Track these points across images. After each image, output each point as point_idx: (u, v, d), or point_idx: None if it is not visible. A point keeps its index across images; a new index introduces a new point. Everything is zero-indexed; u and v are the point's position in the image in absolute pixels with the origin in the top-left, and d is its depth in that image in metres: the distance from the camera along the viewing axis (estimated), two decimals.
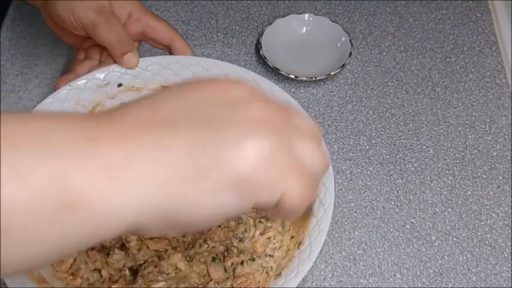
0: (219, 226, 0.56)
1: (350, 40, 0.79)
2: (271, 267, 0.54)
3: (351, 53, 0.78)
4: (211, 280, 0.53)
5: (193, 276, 0.53)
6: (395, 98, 0.77)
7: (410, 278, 0.61)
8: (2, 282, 0.57)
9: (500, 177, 0.69)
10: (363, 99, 0.77)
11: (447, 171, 0.70)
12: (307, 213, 0.53)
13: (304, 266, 0.50)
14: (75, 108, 0.60)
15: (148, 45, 0.69)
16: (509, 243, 0.64)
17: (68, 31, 0.65)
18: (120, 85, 0.62)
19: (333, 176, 0.55)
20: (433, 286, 0.61)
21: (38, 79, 0.76)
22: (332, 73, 0.76)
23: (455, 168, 0.70)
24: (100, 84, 0.61)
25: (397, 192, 0.68)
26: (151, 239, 0.54)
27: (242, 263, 0.54)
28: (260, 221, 0.56)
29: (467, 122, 0.75)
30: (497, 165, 0.70)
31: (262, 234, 0.56)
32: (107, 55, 0.64)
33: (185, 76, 0.64)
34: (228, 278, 0.53)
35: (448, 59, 0.82)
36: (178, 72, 0.64)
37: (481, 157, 0.71)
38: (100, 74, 0.62)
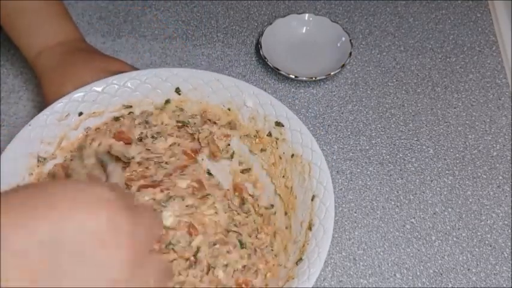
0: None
1: (350, 40, 0.79)
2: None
3: (351, 53, 0.78)
4: None
5: None
6: (395, 98, 0.77)
7: (410, 278, 0.61)
8: None
9: (500, 177, 0.69)
10: (363, 99, 0.77)
11: (447, 171, 0.70)
12: None
13: (323, 246, 0.51)
14: (41, 147, 0.58)
15: None
16: (509, 243, 0.64)
17: None
18: (80, 114, 0.61)
19: (329, 173, 0.56)
20: (433, 286, 0.61)
21: (38, 79, 0.76)
22: (332, 73, 0.76)
23: (455, 168, 0.70)
24: (60, 117, 0.60)
25: (397, 192, 0.68)
26: None
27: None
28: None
29: (467, 122, 0.75)
30: (497, 165, 0.70)
31: None
32: None
33: (145, 91, 0.63)
34: None
35: (448, 59, 0.82)
36: (137, 87, 0.63)
37: (481, 157, 0.71)
38: (58, 106, 0.60)
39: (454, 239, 0.64)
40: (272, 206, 0.60)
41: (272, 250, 0.56)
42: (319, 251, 0.51)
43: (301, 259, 0.52)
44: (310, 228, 0.53)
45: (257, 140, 0.63)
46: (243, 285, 0.53)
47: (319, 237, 0.52)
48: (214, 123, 0.63)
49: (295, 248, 0.54)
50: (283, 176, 0.60)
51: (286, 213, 0.58)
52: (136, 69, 0.69)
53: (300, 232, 0.55)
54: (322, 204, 0.54)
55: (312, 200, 0.55)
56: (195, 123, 0.63)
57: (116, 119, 0.63)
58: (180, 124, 0.63)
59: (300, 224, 0.55)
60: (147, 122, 0.62)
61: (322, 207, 0.54)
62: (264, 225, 0.59)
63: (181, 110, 0.64)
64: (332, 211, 0.53)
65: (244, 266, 0.55)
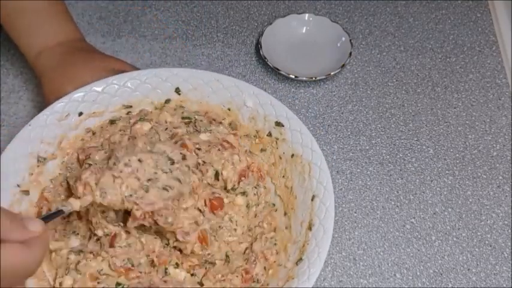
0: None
1: (350, 40, 0.79)
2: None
3: (351, 53, 0.78)
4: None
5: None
6: (395, 98, 0.77)
7: (410, 278, 0.61)
8: None
9: (500, 177, 0.69)
10: (363, 99, 0.77)
11: (447, 171, 0.70)
12: None
13: (323, 246, 0.51)
14: (41, 147, 0.58)
15: None
16: (509, 243, 0.64)
17: None
18: (80, 114, 0.61)
19: (329, 173, 0.56)
20: (433, 286, 0.61)
21: (38, 79, 0.76)
22: (332, 73, 0.76)
23: (455, 168, 0.70)
24: (60, 117, 0.60)
25: (397, 192, 0.68)
26: None
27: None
28: None
29: (467, 122, 0.75)
30: (497, 165, 0.70)
31: None
32: None
33: (145, 91, 0.63)
34: None
35: (448, 59, 0.82)
36: (137, 87, 0.63)
37: (481, 157, 0.71)
38: (58, 106, 0.60)
39: (454, 239, 0.64)
40: (274, 205, 0.60)
41: (275, 244, 0.56)
42: (319, 251, 0.51)
43: (301, 259, 0.52)
44: (310, 228, 0.53)
45: (257, 140, 0.63)
46: (244, 274, 0.53)
47: (319, 237, 0.52)
48: (220, 123, 0.63)
49: (295, 248, 0.54)
50: (283, 176, 0.60)
51: (285, 214, 0.58)
52: (136, 68, 0.69)
53: (300, 232, 0.55)
54: (322, 204, 0.54)
55: (312, 200, 0.55)
56: (201, 121, 0.63)
57: (112, 122, 0.63)
58: (186, 121, 0.63)
59: (300, 224, 0.55)
60: (145, 120, 0.62)
61: (322, 207, 0.54)
62: (268, 215, 0.59)
63: (182, 107, 0.64)
64: (332, 211, 0.53)
65: (245, 250, 0.56)
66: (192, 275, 0.53)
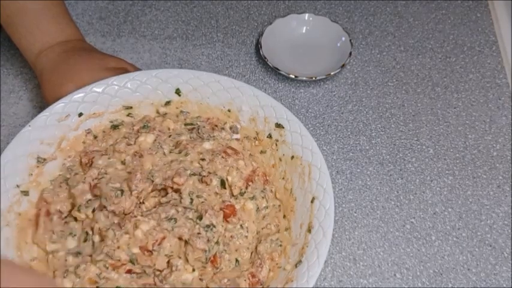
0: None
1: (350, 40, 0.79)
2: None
3: (351, 53, 0.78)
4: None
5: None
6: (395, 98, 0.77)
7: (410, 278, 0.61)
8: None
9: (500, 177, 0.69)
10: (363, 99, 0.77)
11: (447, 171, 0.70)
12: None
13: (322, 249, 0.51)
14: (40, 148, 0.58)
15: None
16: (509, 243, 0.64)
17: None
18: (80, 114, 0.61)
19: (329, 176, 0.56)
20: (433, 286, 0.61)
21: (37, 79, 0.76)
22: (332, 73, 0.76)
23: (455, 168, 0.70)
24: (60, 118, 0.60)
25: (397, 192, 0.68)
26: None
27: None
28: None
29: (467, 122, 0.75)
30: (497, 165, 0.70)
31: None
32: None
33: (145, 92, 0.63)
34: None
35: (448, 59, 0.82)
36: (137, 88, 0.63)
37: (481, 157, 0.71)
38: (58, 107, 0.60)
39: (454, 239, 0.64)
40: (279, 206, 0.60)
41: (280, 245, 0.56)
42: (318, 254, 0.51)
43: (300, 261, 0.51)
44: (309, 230, 0.53)
45: (257, 142, 0.63)
46: (250, 277, 0.53)
47: (319, 240, 0.52)
48: (222, 128, 0.63)
49: (294, 250, 0.54)
50: (283, 178, 0.60)
51: (285, 216, 0.58)
52: (137, 67, 0.69)
53: (299, 234, 0.55)
54: (322, 206, 0.54)
55: (312, 202, 0.55)
56: (204, 127, 0.63)
57: (115, 127, 0.63)
58: (189, 127, 0.63)
59: (299, 226, 0.55)
60: (146, 127, 0.62)
61: (322, 209, 0.54)
62: (275, 217, 0.59)
63: (181, 112, 0.64)
64: (332, 213, 0.53)
65: (251, 254, 0.56)
66: (200, 279, 0.53)
